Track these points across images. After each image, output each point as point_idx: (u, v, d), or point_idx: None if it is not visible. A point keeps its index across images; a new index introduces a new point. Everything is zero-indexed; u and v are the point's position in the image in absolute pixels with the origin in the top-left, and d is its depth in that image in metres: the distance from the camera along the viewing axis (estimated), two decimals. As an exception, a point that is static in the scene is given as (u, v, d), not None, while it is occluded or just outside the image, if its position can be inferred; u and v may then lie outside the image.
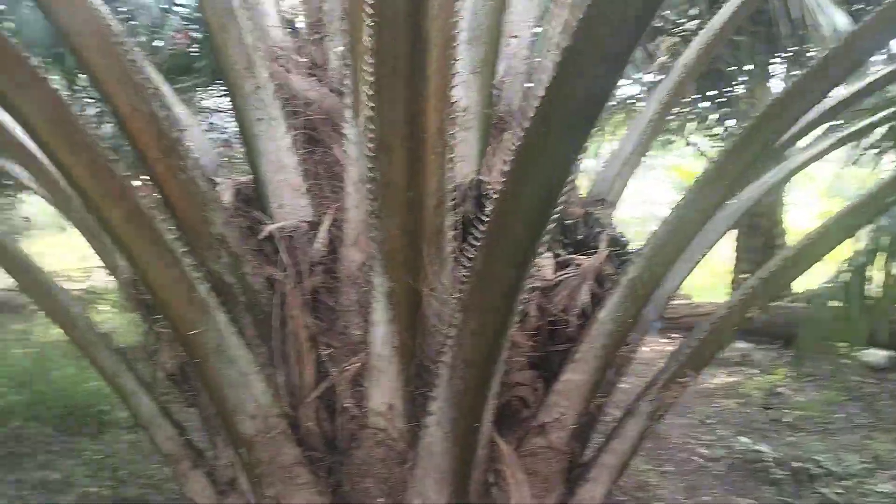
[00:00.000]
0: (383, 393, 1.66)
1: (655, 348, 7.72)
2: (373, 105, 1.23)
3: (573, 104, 1.06)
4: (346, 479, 1.79)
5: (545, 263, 1.88)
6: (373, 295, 1.54)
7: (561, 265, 1.88)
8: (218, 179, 1.95)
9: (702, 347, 1.82)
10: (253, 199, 1.94)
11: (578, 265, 1.87)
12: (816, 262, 1.71)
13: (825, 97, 1.74)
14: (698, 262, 1.98)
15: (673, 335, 8.18)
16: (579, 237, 1.97)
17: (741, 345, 6.95)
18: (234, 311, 1.78)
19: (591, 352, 1.80)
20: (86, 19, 1.47)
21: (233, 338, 1.62)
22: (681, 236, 1.66)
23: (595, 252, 1.89)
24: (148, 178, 1.63)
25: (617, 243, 1.94)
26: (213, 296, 1.57)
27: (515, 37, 2.05)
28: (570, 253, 1.92)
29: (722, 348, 1.86)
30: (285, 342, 1.78)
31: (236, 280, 1.76)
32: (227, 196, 1.82)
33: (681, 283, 2.03)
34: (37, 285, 1.84)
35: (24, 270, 1.82)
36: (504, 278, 1.32)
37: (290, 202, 1.89)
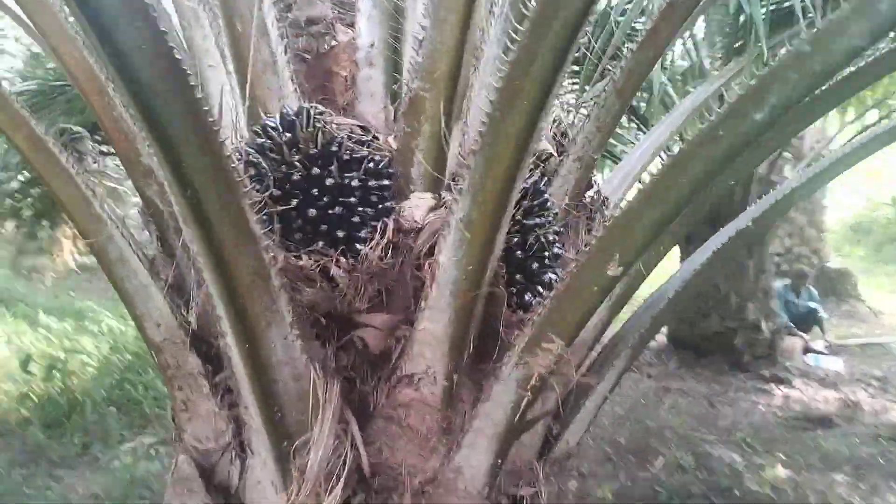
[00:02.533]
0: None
1: None
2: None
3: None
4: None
5: (420, 204, 1.76)
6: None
7: (436, 208, 1.74)
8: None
9: (561, 310, 1.51)
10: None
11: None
12: (675, 214, 1.29)
13: None
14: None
15: None
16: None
17: None
18: (165, 234, 2.06)
19: (442, 299, 1.64)
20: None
21: (130, 251, 1.89)
22: (498, 168, 1.41)
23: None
24: (94, 114, 1.99)
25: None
26: (108, 212, 1.86)
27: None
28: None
29: (590, 313, 1.51)
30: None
31: (165, 206, 2.02)
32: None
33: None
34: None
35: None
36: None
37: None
